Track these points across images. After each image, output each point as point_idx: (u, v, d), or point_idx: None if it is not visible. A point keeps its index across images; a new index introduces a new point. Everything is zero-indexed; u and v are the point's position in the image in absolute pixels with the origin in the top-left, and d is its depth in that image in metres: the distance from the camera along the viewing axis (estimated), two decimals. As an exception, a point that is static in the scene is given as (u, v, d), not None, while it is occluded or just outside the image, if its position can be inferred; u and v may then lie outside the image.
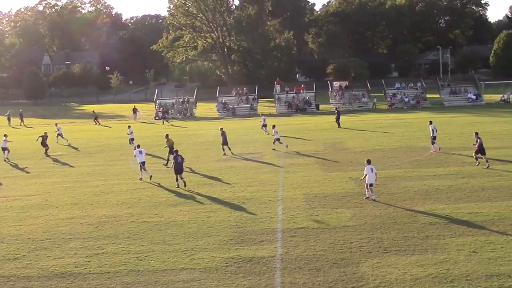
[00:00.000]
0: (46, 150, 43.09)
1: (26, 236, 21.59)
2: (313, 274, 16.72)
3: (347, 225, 21.27)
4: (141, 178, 31.55)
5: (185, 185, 28.72)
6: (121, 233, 21.55)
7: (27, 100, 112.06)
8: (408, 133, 47.97)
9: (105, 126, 68.22)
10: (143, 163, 31.45)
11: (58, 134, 50.73)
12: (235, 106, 78.84)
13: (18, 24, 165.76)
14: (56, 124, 54.20)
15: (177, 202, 26.21)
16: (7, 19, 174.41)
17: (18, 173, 35.77)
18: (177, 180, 29.13)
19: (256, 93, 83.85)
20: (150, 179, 31.18)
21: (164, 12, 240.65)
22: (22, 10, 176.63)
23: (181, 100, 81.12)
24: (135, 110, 74.58)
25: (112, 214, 24.35)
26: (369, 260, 17.54)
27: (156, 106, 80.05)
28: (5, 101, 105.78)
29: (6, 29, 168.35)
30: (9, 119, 74.32)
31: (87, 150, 45.57)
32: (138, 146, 32.53)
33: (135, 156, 31.80)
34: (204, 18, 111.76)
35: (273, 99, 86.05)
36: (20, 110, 77.90)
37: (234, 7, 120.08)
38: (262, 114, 60.45)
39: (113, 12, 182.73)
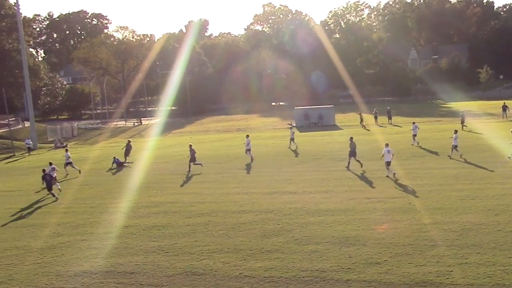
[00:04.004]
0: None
1: (388, 240, 22.45)
2: None
3: None
4: (387, 176, 35.89)
5: None
6: (486, 243, 21.29)
7: (392, 98, 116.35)
8: None
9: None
10: (388, 162, 36.02)
11: (291, 139, 53.66)
12: None
13: (386, 18, 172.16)
14: (290, 128, 56.77)
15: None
16: (375, 13, 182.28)
17: (383, 173, 37.15)
18: None
19: None
20: (394, 176, 35.44)
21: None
22: (390, 3, 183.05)
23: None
24: (504, 108, 71.95)
25: (477, 221, 24.12)
26: None
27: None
28: (371, 99, 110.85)
29: (374, 24, 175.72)
30: (375, 117, 77.93)
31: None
32: (387, 145, 36.52)
33: (383, 154, 36.40)
34: None
35: None
36: (388, 108, 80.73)
37: None
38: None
39: (484, 1, 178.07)
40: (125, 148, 52.44)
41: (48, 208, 33.44)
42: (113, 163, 50.38)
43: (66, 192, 38.23)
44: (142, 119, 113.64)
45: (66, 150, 50.85)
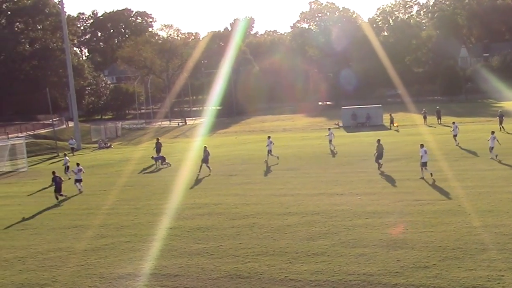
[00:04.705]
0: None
1: (437, 243, 22.24)
2: None
3: None
4: (422, 177, 35.75)
5: None
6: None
7: (442, 97, 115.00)
8: None
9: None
10: (424, 163, 36.05)
11: (329, 140, 54.04)
12: None
13: (435, 15, 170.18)
14: (329, 129, 56.49)
15: None
16: (424, 10, 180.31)
17: (435, 176, 36.97)
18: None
19: None
20: (432, 176, 35.36)
21: None
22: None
23: None
24: None
25: (530, 225, 23.84)
26: None
27: None
28: (420, 98, 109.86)
29: (423, 21, 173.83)
30: (425, 117, 77.33)
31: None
32: (422, 146, 36.90)
33: (421, 155, 36.24)
34: None
35: None
36: (437, 107, 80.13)
37: None
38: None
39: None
40: (155, 147, 53.96)
41: (91, 210, 33.94)
42: (156, 162, 51.00)
43: (109, 193, 38.87)
44: (186, 119, 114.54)
45: (65, 155, 52.78)
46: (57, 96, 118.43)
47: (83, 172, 41.48)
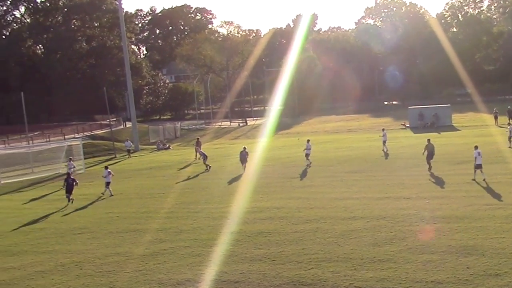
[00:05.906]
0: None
1: (509, 250, 21.97)
2: None
3: None
4: (473, 179, 36.23)
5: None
6: None
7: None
8: None
9: None
10: (478, 165, 36.42)
11: (383, 141, 55.38)
12: None
13: (507, 10, 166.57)
14: (383, 129, 57.61)
15: None
16: (495, 4, 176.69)
17: (503, 178, 36.45)
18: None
19: None
20: (485, 180, 35.42)
21: None
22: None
23: None
24: None
25: None
26: None
27: None
28: (491, 97, 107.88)
29: (494, 16, 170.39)
30: (496, 117, 76.17)
31: None
32: (476, 148, 37.08)
33: (475, 157, 36.56)
34: None
35: None
36: (509, 107, 78.74)
37: None
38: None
39: None
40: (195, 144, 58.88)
41: (150, 213, 34.44)
42: (203, 158, 51.99)
43: (168, 196, 39.39)
44: (247, 119, 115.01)
45: (70, 159, 53.95)
46: (115, 95, 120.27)
47: (113, 175, 42.48)
